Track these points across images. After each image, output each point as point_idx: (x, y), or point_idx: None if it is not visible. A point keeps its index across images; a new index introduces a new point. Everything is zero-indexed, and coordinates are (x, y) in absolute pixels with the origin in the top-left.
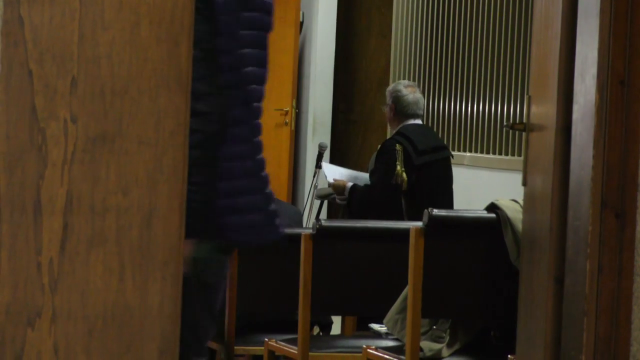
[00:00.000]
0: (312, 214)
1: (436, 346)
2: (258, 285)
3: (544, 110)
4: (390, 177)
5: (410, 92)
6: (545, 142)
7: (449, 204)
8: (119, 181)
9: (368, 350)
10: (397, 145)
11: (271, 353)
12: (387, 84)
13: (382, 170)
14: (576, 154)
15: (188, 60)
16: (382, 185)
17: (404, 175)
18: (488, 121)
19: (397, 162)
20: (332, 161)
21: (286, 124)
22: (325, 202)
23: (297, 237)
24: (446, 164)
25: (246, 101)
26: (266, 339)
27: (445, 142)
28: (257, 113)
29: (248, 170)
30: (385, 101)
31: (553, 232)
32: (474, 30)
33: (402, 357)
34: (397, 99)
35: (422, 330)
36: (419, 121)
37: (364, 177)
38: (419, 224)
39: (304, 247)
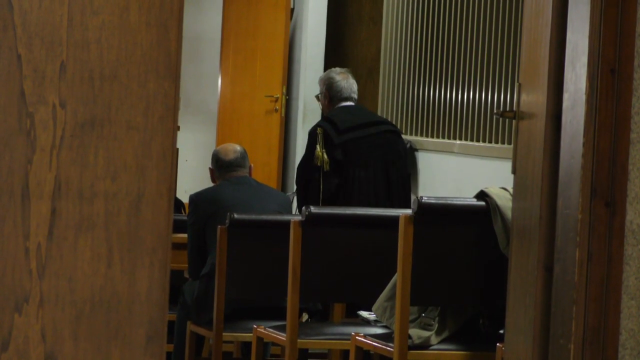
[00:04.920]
0: None
1: (425, 334)
2: (247, 272)
3: (534, 98)
4: (310, 160)
5: (343, 78)
6: (535, 130)
7: (396, 176)
8: (107, 166)
9: (357, 337)
10: (317, 129)
11: (260, 340)
12: (378, 71)
13: (304, 155)
14: (566, 142)
15: (177, 45)
16: (303, 168)
17: (324, 156)
18: (478, 109)
19: (317, 145)
20: None
21: (276, 110)
22: None
23: (287, 224)
24: (384, 137)
25: None
26: (255, 326)
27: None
28: None
29: None
30: (320, 91)
31: (542, 221)
32: (464, 17)
33: (391, 344)
34: (331, 85)
35: (411, 317)
36: (350, 103)
37: None
38: (408, 211)
39: (293, 234)
